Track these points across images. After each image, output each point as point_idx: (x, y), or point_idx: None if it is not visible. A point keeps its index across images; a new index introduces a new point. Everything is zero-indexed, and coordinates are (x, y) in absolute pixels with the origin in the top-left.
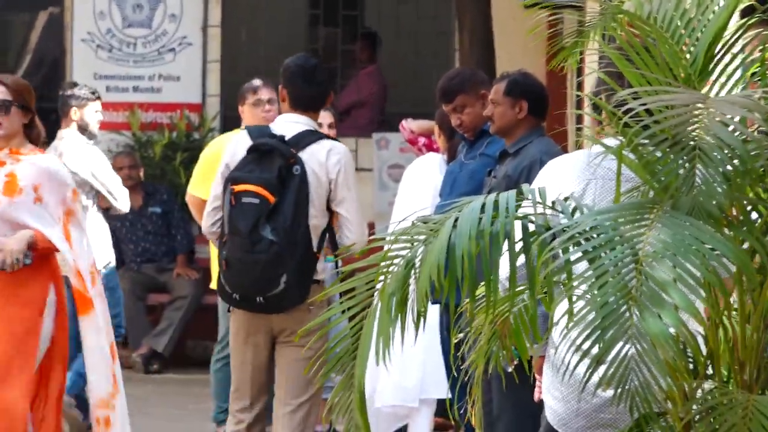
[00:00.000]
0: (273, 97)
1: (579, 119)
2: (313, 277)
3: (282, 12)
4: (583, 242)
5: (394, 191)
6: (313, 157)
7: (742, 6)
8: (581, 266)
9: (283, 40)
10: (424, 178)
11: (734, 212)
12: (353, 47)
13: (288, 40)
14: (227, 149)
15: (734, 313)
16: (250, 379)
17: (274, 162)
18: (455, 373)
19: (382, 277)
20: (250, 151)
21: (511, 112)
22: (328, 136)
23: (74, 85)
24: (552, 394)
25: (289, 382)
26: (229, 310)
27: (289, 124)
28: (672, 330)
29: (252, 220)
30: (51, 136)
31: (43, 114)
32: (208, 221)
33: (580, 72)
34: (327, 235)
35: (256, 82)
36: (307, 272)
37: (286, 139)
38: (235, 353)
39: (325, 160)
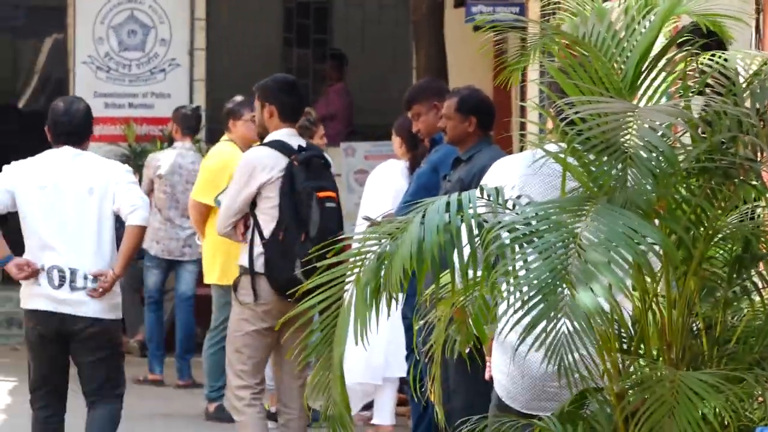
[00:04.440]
0: None
1: (522, 126)
2: None
3: (260, 36)
4: (522, 227)
5: (360, 193)
6: None
7: (666, 29)
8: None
9: (261, 61)
10: (386, 183)
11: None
12: (323, 66)
13: (265, 60)
14: (264, 163)
15: (662, 299)
16: (262, 362)
17: (325, 171)
18: (417, 356)
19: (355, 271)
20: (303, 162)
21: (462, 126)
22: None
23: None
24: (501, 371)
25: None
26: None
27: (293, 138)
28: (604, 304)
29: (338, 221)
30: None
31: None
32: (227, 222)
33: (523, 83)
34: None
35: (248, 99)
36: None
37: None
38: (256, 338)
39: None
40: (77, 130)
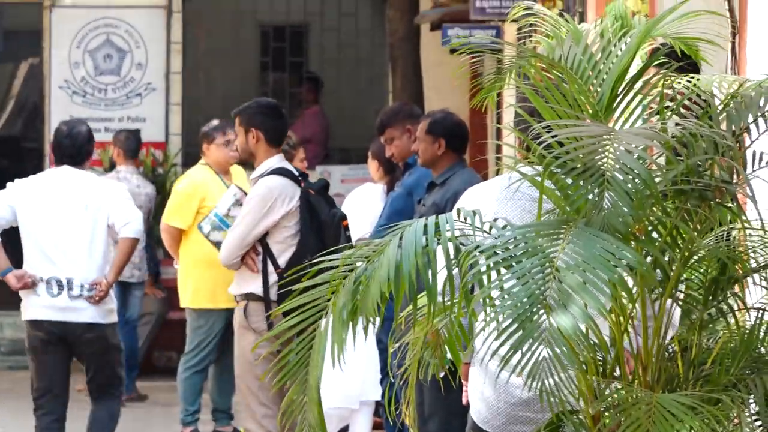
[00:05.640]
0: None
1: (498, 149)
2: None
3: (235, 59)
4: (500, 252)
5: None
6: None
7: (642, 51)
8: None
9: (237, 84)
10: (364, 206)
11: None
12: (299, 90)
13: (241, 84)
14: (285, 193)
15: (637, 321)
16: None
17: (330, 197)
18: (392, 378)
19: (332, 293)
20: (320, 192)
21: (432, 148)
22: None
23: None
24: (477, 396)
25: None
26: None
27: (287, 164)
28: (582, 326)
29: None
30: (32, 173)
31: (25, 152)
32: (237, 253)
33: (499, 106)
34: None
35: (222, 123)
36: None
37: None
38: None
39: None
40: (79, 151)
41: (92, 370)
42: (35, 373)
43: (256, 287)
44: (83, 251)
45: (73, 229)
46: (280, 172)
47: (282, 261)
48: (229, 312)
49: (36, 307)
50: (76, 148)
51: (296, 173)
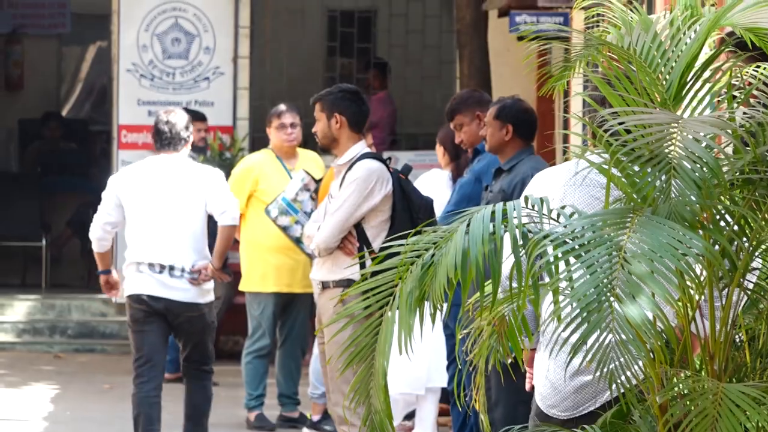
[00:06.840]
0: (295, 121)
1: (566, 138)
2: None
3: (303, 44)
4: (569, 241)
5: None
6: None
7: (711, 39)
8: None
9: (304, 70)
10: (432, 192)
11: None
12: (366, 75)
13: (308, 69)
14: (383, 176)
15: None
16: None
17: None
18: (459, 365)
19: (400, 279)
20: (407, 174)
21: (499, 134)
22: None
23: None
24: (541, 381)
25: None
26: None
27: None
28: (650, 315)
29: None
30: (100, 156)
31: (93, 135)
32: (339, 237)
33: (567, 95)
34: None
35: (281, 107)
36: None
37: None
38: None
39: None
40: (176, 138)
41: (188, 348)
42: (135, 344)
43: (354, 272)
44: (183, 237)
45: (173, 215)
46: (372, 156)
47: (376, 245)
48: (279, 296)
49: (139, 283)
50: (173, 134)
51: (383, 158)
